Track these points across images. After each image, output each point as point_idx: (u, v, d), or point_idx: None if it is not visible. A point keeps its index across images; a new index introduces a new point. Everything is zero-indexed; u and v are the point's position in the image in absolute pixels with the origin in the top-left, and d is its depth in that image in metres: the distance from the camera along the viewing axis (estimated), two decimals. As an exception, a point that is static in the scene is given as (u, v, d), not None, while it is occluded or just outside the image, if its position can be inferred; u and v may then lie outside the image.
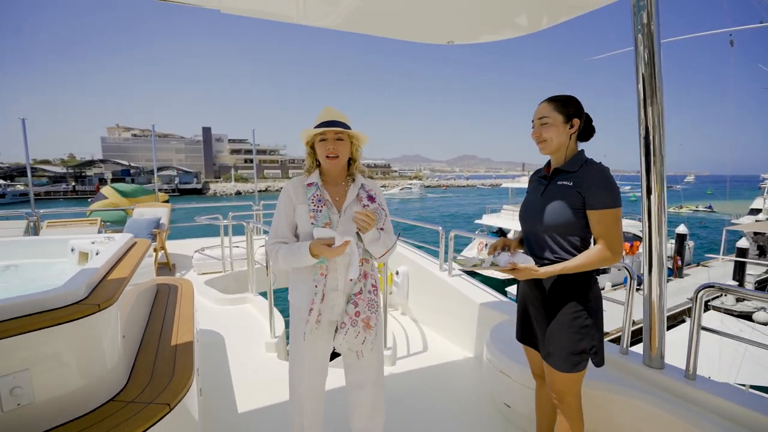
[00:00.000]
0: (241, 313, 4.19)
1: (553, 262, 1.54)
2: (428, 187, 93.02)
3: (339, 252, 1.49)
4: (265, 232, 3.76)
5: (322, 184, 1.65)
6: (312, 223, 1.57)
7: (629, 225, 17.24)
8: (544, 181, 1.64)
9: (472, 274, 3.70)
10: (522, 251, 1.64)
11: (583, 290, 1.53)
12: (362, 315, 1.60)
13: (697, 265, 16.58)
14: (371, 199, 1.67)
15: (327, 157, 1.60)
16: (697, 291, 1.82)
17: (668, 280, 14.01)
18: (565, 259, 1.51)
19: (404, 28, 2.85)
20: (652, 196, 1.81)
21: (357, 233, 1.58)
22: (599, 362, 1.57)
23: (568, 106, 1.54)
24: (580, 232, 1.52)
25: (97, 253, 2.55)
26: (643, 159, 1.80)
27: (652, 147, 1.77)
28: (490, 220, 19.79)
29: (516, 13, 2.48)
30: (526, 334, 1.74)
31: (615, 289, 12.98)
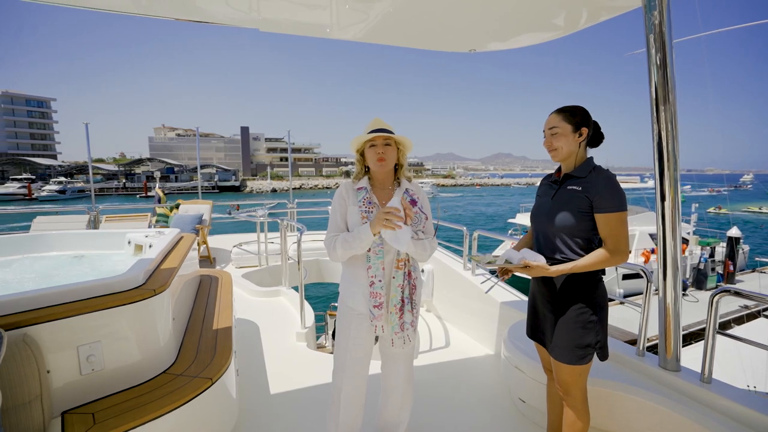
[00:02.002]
0: (274, 305, 4.47)
1: (560, 262, 1.64)
2: (460, 186, 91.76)
3: (392, 219, 1.55)
4: (298, 230, 4.01)
5: (370, 188, 1.78)
6: (365, 223, 1.67)
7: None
8: (555, 185, 1.74)
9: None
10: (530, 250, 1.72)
11: (589, 288, 1.62)
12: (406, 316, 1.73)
13: (752, 271, 15.39)
14: (413, 202, 1.77)
15: (377, 161, 1.73)
16: (713, 295, 1.83)
17: (716, 286, 13.17)
18: (572, 259, 1.61)
19: (427, 38, 2.96)
20: (666, 201, 1.83)
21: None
22: (603, 356, 1.66)
23: (576, 116, 1.63)
24: (587, 233, 1.61)
25: (150, 246, 2.87)
26: (656, 163, 1.82)
27: (665, 151, 1.79)
28: (524, 219, 19.40)
29: (534, 24, 2.53)
30: (536, 330, 1.84)
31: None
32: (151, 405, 1.62)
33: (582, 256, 1.60)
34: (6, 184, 50.42)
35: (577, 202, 1.60)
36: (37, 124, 77.66)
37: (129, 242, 3.29)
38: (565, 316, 1.63)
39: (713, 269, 12.75)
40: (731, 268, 13.65)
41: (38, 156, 70.29)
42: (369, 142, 1.75)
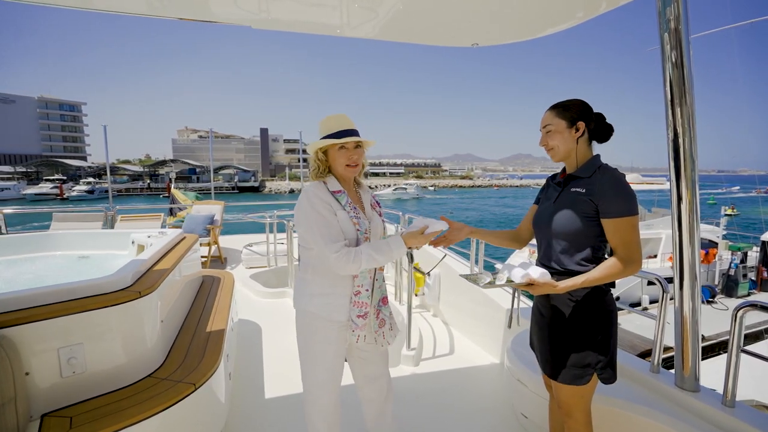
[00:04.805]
0: (279, 307, 4.44)
1: (562, 272, 1.49)
2: (479, 187, 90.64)
3: (429, 239, 1.59)
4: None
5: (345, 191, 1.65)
6: (357, 230, 1.58)
7: (704, 230, 15.45)
8: (558, 187, 1.59)
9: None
10: (535, 263, 1.57)
11: (593, 301, 1.47)
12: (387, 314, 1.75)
13: (791, 278, 14.44)
14: (378, 204, 1.79)
15: (348, 166, 1.61)
16: (736, 310, 1.65)
17: (750, 294, 12.32)
18: (577, 270, 1.46)
19: (434, 33, 2.85)
20: (683, 203, 1.67)
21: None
22: (607, 379, 1.49)
23: (569, 111, 1.49)
24: (593, 241, 1.45)
25: (150, 246, 2.86)
26: (672, 163, 1.66)
27: (681, 150, 1.63)
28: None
29: (550, 11, 2.38)
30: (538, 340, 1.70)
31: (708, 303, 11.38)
32: (130, 410, 1.58)
33: (587, 266, 1.45)
34: (40, 185, 52.91)
35: (580, 206, 1.44)
36: (69, 127, 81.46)
37: (133, 242, 3.31)
38: (564, 332, 1.49)
39: (745, 275, 12.05)
40: (765, 274, 12.88)
41: (70, 158, 73.49)
42: (338, 144, 1.60)
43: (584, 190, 1.45)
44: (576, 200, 1.46)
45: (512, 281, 1.48)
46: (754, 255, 13.41)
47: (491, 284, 1.53)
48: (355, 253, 1.52)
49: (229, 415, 2.27)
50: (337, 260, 1.51)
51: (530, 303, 3.20)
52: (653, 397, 1.92)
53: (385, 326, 1.70)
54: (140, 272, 2.06)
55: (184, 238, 3.21)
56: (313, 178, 1.66)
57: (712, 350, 8.38)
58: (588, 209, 1.43)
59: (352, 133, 1.61)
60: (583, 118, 1.48)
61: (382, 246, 1.55)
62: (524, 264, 1.51)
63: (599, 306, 1.47)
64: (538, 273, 1.44)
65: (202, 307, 2.81)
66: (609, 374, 1.48)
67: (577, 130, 1.48)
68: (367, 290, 1.62)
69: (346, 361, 1.78)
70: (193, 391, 1.75)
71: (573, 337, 1.47)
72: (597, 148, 1.56)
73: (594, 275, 1.40)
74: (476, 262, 3.83)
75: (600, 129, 1.51)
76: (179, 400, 1.69)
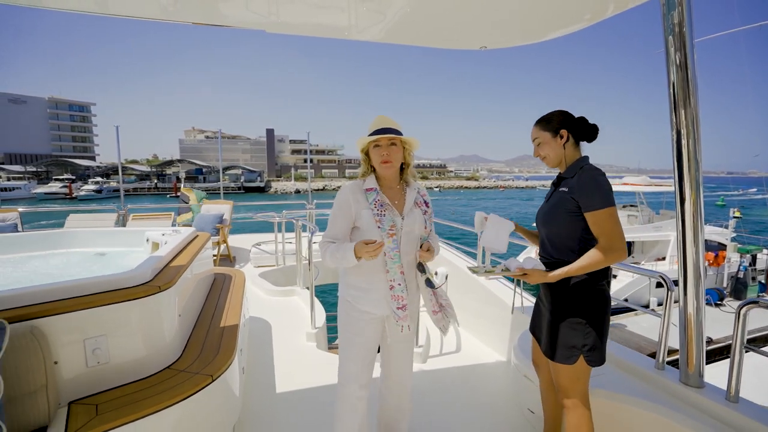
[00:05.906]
0: (288, 305, 4.52)
1: (559, 265, 1.62)
2: (484, 188, 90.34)
3: (375, 254, 1.57)
4: (311, 231, 4.02)
5: (380, 188, 1.75)
6: (379, 227, 1.67)
7: (713, 232, 15.32)
8: (554, 187, 1.75)
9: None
10: (534, 256, 1.75)
11: (581, 290, 1.60)
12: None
13: (801, 281, 14.23)
14: (426, 204, 1.84)
15: (382, 162, 1.70)
16: (740, 308, 1.69)
17: (759, 296, 12.19)
18: (566, 262, 1.59)
19: (441, 36, 2.89)
20: (686, 203, 1.71)
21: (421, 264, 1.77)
22: (593, 361, 1.61)
23: (551, 123, 1.67)
24: (578, 234, 1.59)
25: (165, 243, 2.95)
26: (675, 164, 1.71)
27: (685, 151, 1.67)
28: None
29: (556, 14, 2.42)
30: (536, 325, 1.86)
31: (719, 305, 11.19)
32: (151, 399, 1.65)
33: (575, 258, 1.58)
34: (49, 184, 53.65)
35: (565, 204, 1.60)
36: (78, 127, 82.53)
37: (147, 240, 3.39)
38: (556, 314, 1.65)
39: (754, 278, 11.95)
40: (775, 277, 12.73)
41: (79, 157, 74.41)
42: (373, 142, 1.73)
43: (567, 189, 1.60)
44: (562, 199, 1.62)
45: (508, 270, 1.67)
46: (763, 257, 13.27)
47: (490, 272, 1.75)
48: (324, 248, 1.73)
49: (242, 408, 2.34)
50: (319, 246, 1.78)
51: (534, 300, 3.24)
52: (658, 392, 1.96)
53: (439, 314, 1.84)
54: (158, 268, 2.13)
55: (197, 236, 3.29)
56: (359, 177, 1.81)
57: (720, 353, 8.31)
58: (571, 206, 1.58)
59: (387, 131, 1.70)
60: (565, 126, 1.64)
61: (341, 248, 1.66)
62: (529, 259, 1.67)
63: (587, 296, 1.60)
64: (531, 264, 1.64)
65: (215, 303, 2.89)
66: (595, 358, 1.60)
67: (562, 137, 1.64)
68: (400, 284, 1.70)
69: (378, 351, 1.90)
70: (210, 383, 1.82)
71: (561, 320, 1.63)
72: (587, 147, 1.70)
73: (577, 264, 1.54)
74: (483, 262, 3.87)
75: (584, 131, 1.64)
76: (197, 391, 1.76)
